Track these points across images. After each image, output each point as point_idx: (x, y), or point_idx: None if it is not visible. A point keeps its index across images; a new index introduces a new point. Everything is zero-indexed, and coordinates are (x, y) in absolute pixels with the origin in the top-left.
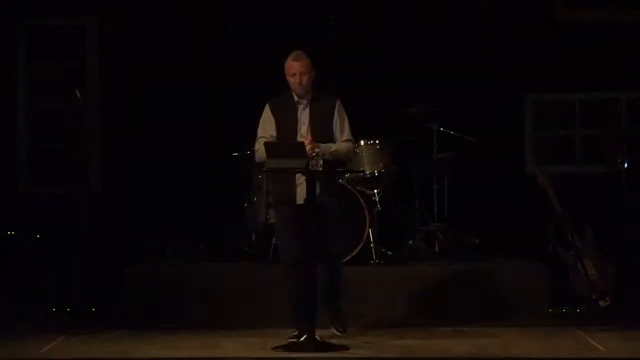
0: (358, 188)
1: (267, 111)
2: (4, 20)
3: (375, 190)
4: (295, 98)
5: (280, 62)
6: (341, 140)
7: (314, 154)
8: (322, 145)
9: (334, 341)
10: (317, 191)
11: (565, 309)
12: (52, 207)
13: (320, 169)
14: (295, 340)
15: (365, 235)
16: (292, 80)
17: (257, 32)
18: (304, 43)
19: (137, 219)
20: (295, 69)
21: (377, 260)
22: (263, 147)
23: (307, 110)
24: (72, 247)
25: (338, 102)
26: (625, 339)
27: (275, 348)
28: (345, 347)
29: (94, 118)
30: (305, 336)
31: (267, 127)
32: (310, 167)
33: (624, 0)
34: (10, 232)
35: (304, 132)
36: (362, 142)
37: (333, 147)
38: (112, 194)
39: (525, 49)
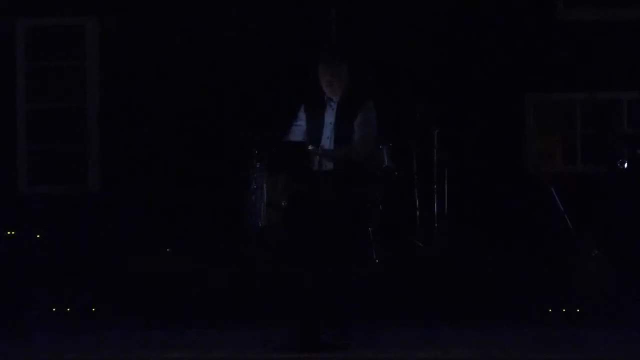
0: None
1: (300, 111)
2: (4, 20)
3: (376, 192)
4: (326, 98)
5: (284, 56)
6: (355, 140)
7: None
8: (324, 148)
9: (333, 341)
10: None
11: (565, 309)
12: (52, 207)
13: (325, 168)
14: (295, 340)
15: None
16: (323, 84)
17: (257, 30)
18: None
19: (136, 219)
20: (327, 73)
21: (377, 260)
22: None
23: (335, 110)
24: (72, 247)
25: (367, 105)
26: (625, 339)
27: (274, 348)
28: (344, 347)
29: (94, 117)
30: (304, 336)
31: (296, 126)
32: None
33: (623, 0)
34: (10, 232)
35: (329, 132)
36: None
37: (331, 150)
38: (112, 194)
39: (525, 48)
